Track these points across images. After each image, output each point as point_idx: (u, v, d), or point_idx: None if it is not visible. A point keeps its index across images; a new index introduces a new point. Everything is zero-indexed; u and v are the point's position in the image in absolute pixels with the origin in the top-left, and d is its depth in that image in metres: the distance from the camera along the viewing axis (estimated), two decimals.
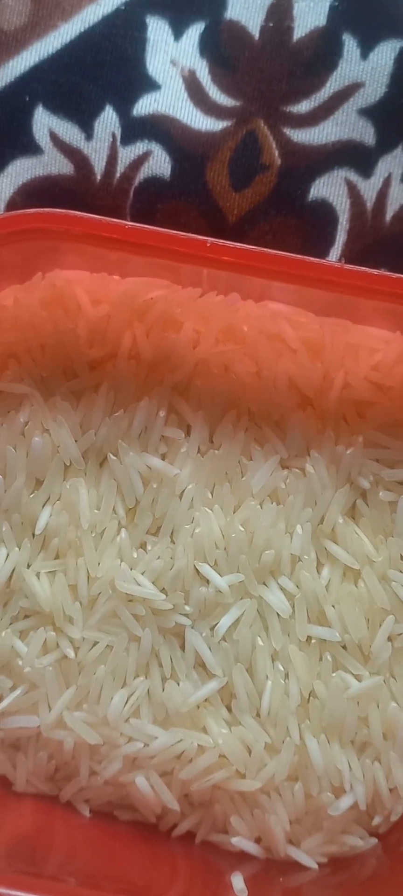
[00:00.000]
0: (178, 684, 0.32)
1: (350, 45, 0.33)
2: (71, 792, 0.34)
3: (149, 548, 0.32)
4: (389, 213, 0.34)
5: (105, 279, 0.31)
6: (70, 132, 0.34)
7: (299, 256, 0.28)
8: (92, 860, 0.32)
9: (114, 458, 0.31)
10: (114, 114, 0.34)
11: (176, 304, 0.31)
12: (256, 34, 0.33)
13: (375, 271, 0.29)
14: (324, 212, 0.34)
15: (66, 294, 0.31)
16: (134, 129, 0.34)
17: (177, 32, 0.33)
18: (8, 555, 0.31)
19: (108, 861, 0.32)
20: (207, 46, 0.33)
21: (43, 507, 0.31)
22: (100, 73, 0.33)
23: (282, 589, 0.32)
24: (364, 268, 0.28)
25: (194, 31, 0.33)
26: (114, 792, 0.33)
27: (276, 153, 0.34)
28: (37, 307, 0.31)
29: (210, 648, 0.32)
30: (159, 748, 0.31)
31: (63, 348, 0.31)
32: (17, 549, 0.31)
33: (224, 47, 0.33)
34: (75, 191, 0.35)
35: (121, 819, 0.34)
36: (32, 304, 0.31)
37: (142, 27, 0.33)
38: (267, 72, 0.33)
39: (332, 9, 0.33)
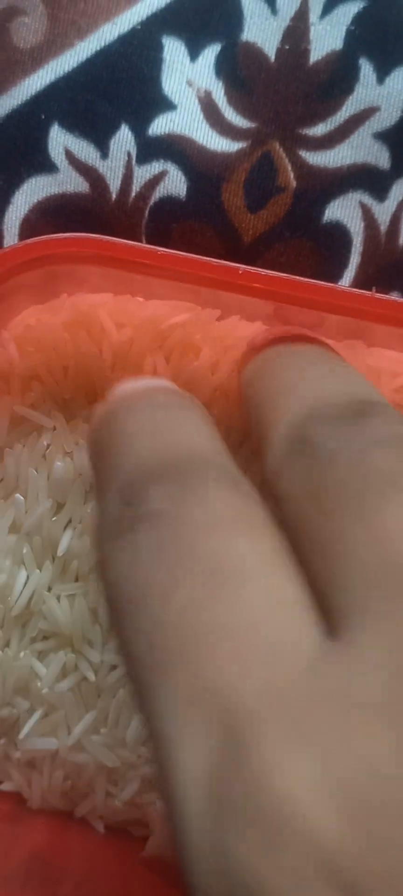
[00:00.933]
0: None
1: (366, 69, 0.33)
2: (86, 809, 0.34)
3: None
4: (402, 237, 0.35)
5: (129, 302, 0.31)
6: (85, 151, 0.34)
7: (329, 285, 0.29)
8: (109, 880, 0.32)
9: None
10: (130, 133, 0.34)
11: (196, 330, 0.31)
12: (272, 56, 0.33)
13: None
14: (339, 234, 0.35)
15: (91, 317, 0.31)
16: (149, 148, 0.34)
17: (193, 53, 0.33)
18: (28, 577, 0.31)
19: (125, 881, 0.32)
20: (223, 68, 0.33)
21: (64, 529, 0.31)
22: (116, 92, 0.33)
23: None
24: (387, 295, 0.29)
25: (210, 53, 0.33)
26: (130, 811, 0.33)
27: (292, 175, 0.34)
28: (60, 329, 0.31)
29: None
30: None
31: (86, 371, 0.31)
32: (37, 571, 0.31)
33: (240, 69, 0.33)
34: (90, 209, 0.35)
35: (136, 835, 0.34)
36: (56, 326, 0.31)
37: (159, 47, 0.33)
38: (283, 94, 0.33)
39: (349, 33, 0.33)
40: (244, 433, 0.32)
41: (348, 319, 0.30)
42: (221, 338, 0.32)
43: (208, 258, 0.29)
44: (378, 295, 0.30)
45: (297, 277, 0.29)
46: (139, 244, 0.29)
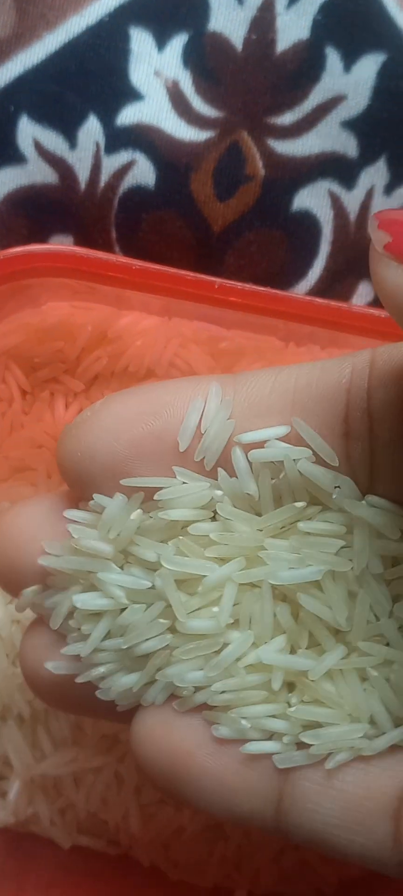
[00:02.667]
0: None
1: (333, 58, 0.33)
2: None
3: None
4: None
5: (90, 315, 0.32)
6: (54, 141, 0.34)
7: (307, 297, 0.29)
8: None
9: None
10: (98, 123, 0.34)
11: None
12: (239, 46, 0.33)
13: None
14: (308, 223, 0.35)
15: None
16: (118, 138, 0.34)
17: (161, 44, 0.33)
18: None
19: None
20: (190, 58, 0.33)
21: None
22: (84, 83, 0.33)
23: None
24: (372, 309, 0.29)
25: (177, 43, 0.33)
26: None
27: (260, 164, 0.34)
28: None
29: None
30: None
31: None
32: None
33: (207, 59, 0.33)
34: (60, 200, 0.34)
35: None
36: None
37: (126, 38, 0.33)
38: (250, 84, 0.33)
39: (315, 22, 0.33)
40: None
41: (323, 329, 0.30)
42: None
43: (184, 272, 0.29)
44: (354, 307, 0.30)
45: (273, 290, 0.29)
46: (115, 258, 0.29)
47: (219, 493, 0.22)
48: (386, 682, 0.22)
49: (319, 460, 0.21)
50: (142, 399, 0.22)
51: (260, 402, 0.22)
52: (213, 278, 0.28)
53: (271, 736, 0.22)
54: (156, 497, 0.22)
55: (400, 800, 0.20)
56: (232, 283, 0.29)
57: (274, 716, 0.22)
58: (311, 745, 0.21)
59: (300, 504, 0.22)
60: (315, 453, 0.21)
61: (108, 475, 0.22)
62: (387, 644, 0.22)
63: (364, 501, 0.22)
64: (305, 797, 0.21)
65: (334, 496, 0.21)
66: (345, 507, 0.22)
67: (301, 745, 0.21)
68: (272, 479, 0.22)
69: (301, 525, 0.22)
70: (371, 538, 0.22)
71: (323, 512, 0.22)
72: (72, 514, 0.23)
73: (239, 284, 0.28)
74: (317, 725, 0.21)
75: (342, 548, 0.22)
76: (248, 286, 0.28)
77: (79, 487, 0.23)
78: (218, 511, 0.22)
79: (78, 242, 0.35)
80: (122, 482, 0.22)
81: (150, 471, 0.22)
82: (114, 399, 0.23)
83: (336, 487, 0.21)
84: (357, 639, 0.22)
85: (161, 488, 0.22)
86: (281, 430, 0.22)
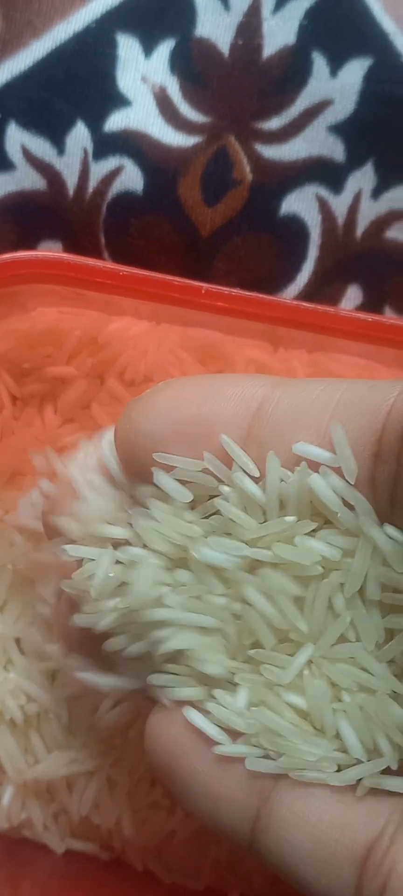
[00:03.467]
0: None
1: (319, 62, 0.33)
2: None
3: None
4: (360, 229, 0.35)
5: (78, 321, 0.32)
6: (42, 148, 0.34)
7: (294, 302, 0.29)
8: None
9: None
10: (86, 129, 0.34)
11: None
12: (226, 52, 0.33)
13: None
14: (296, 227, 0.35)
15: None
16: (105, 144, 0.34)
17: (148, 50, 0.33)
18: None
19: None
20: (178, 63, 0.33)
21: None
22: (72, 89, 0.34)
23: None
24: (359, 313, 0.29)
25: (164, 49, 0.33)
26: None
27: (248, 169, 0.34)
28: None
29: None
30: None
31: None
32: None
33: (194, 64, 0.33)
34: (48, 206, 0.35)
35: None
36: None
37: (113, 44, 0.33)
38: (237, 89, 0.34)
39: (301, 27, 0.33)
40: None
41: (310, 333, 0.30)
42: None
43: (171, 277, 0.29)
44: (341, 311, 0.30)
45: (260, 295, 0.29)
46: (103, 263, 0.29)
47: (227, 489, 0.22)
48: (360, 709, 0.21)
49: (339, 473, 0.21)
50: (197, 385, 0.23)
51: (301, 407, 0.22)
52: (200, 283, 0.29)
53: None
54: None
55: (368, 850, 0.20)
56: (220, 288, 0.29)
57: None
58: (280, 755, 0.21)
59: (290, 519, 0.22)
60: (338, 462, 0.21)
61: (150, 452, 0.22)
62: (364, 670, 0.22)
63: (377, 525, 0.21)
64: (280, 823, 0.21)
65: (339, 515, 0.21)
66: (360, 525, 0.21)
67: None
68: (281, 480, 0.22)
69: (297, 540, 0.22)
70: (375, 563, 0.21)
71: (327, 530, 0.22)
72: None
73: (226, 289, 0.28)
74: (278, 735, 0.21)
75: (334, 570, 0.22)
76: (235, 291, 0.29)
77: (128, 466, 0.23)
78: (219, 508, 0.22)
79: (66, 248, 0.35)
80: (154, 456, 0.22)
81: (188, 453, 0.22)
82: (172, 382, 0.23)
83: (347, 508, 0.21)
84: (324, 650, 0.22)
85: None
86: (326, 456, 0.21)
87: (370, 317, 0.29)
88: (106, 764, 0.34)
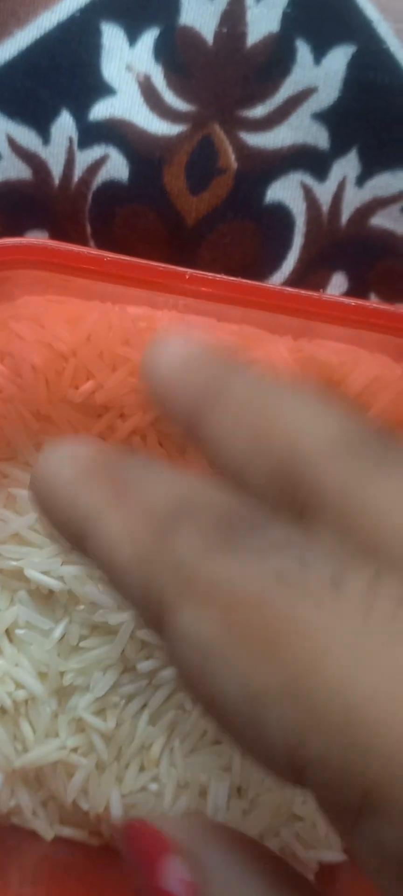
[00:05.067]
0: None
1: (303, 50, 0.33)
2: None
3: None
4: (344, 217, 0.35)
5: (64, 308, 0.32)
6: (27, 137, 0.34)
7: (278, 287, 0.29)
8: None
9: None
10: (71, 118, 0.34)
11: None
12: (210, 40, 0.33)
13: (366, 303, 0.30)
14: (281, 215, 0.35)
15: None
16: (90, 133, 0.34)
17: (132, 38, 0.34)
18: None
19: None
20: (162, 52, 0.34)
21: None
22: (56, 78, 0.34)
23: None
24: (342, 298, 0.29)
25: (149, 37, 0.33)
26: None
27: (232, 157, 0.34)
28: None
29: None
30: None
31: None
32: None
33: (178, 53, 0.34)
34: (34, 195, 0.35)
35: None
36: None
37: (97, 33, 0.33)
38: (221, 77, 0.34)
39: (285, 15, 0.33)
40: None
41: (294, 318, 0.30)
42: None
43: (156, 263, 0.29)
44: (325, 295, 0.30)
45: (244, 280, 0.29)
46: (87, 250, 0.29)
47: None
48: None
49: None
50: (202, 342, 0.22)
51: None
52: (185, 269, 0.29)
53: None
54: None
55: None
56: (204, 273, 0.29)
57: None
58: None
59: None
60: None
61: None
62: None
63: None
64: None
65: None
66: None
67: None
68: None
69: None
70: None
71: None
72: None
73: (210, 275, 0.29)
74: None
75: None
76: (219, 276, 0.29)
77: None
78: None
79: (53, 237, 0.35)
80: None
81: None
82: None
83: None
84: None
85: None
86: None
87: (353, 301, 0.29)
88: (93, 750, 0.35)
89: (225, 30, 0.33)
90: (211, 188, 0.34)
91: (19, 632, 0.34)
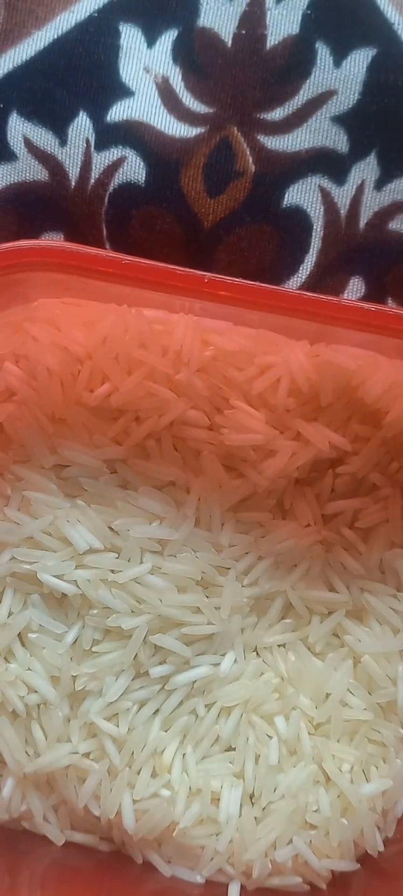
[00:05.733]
0: None
1: (322, 52, 0.33)
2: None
3: None
4: (363, 221, 0.35)
5: (80, 311, 0.31)
6: (44, 138, 0.34)
7: (296, 291, 0.29)
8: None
9: None
10: (88, 120, 0.34)
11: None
12: (229, 41, 0.33)
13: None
14: (299, 218, 0.35)
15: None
16: (108, 135, 0.34)
17: (150, 40, 0.33)
18: None
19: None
20: (180, 53, 0.33)
21: None
22: (74, 79, 0.33)
23: None
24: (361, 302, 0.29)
25: (167, 39, 0.33)
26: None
27: (250, 160, 0.34)
28: None
29: None
30: None
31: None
32: None
33: (197, 54, 0.33)
34: (50, 197, 0.34)
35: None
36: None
37: (116, 34, 0.33)
38: (240, 79, 0.33)
39: (305, 17, 0.33)
40: None
41: (312, 323, 0.30)
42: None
43: (174, 266, 0.29)
44: (342, 300, 0.30)
45: (262, 284, 0.29)
46: (105, 252, 0.29)
47: None
48: None
49: None
50: None
51: None
52: (203, 273, 0.28)
53: None
54: None
55: None
56: (223, 277, 0.29)
57: None
58: None
59: None
60: None
61: None
62: None
63: None
64: None
65: None
66: None
67: None
68: None
69: None
70: None
71: None
72: None
73: (228, 279, 0.28)
74: None
75: None
76: (238, 280, 0.28)
77: None
78: None
79: (68, 239, 0.35)
80: None
81: None
82: None
83: None
84: None
85: None
86: None
87: (372, 306, 0.29)
88: (106, 756, 0.34)
89: (244, 31, 0.33)
90: (228, 191, 0.34)
91: (32, 636, 0.34)
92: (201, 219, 0.34)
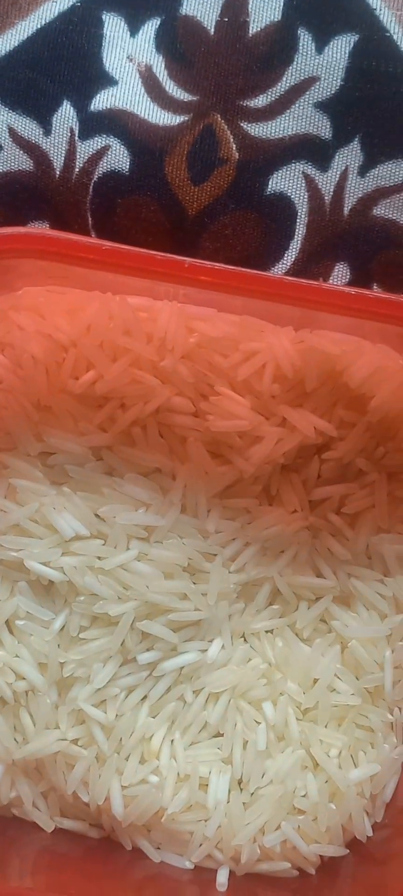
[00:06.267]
0: None
1: (305, 39, 0.33)
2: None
3: None
4: (347, 207, 0.35)
5: (64, 299, 0.32)
6: (28, 128, 0.34)
7: (278, 276, 0.29)
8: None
9: None
10: (72, 109, 0.34)
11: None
12: (212, 29, 0.33)
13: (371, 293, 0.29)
14: (283, 205, 0.35)
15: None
16: (91, 123, 0.34)
17: (133, 28, 0.33)
18: None
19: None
20: (163, 42, 0.33)
21: None
22: (58, 69, 0.34)
23: None
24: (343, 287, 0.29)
25: (150, 27, 0.33)
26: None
27: (234, 147, 0.34)
28: None
29: None
30: None
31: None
32: None
33: (180, 42, 0.33)
34: (35, 186, 0.35)
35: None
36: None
37: (99, 23, 0.33)
38: (223, 66, 0.33)
39: (287, 4, 0.33)
40: None
41: (296, 308, 0.30)
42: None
43: (154, 252, 0.29)
44: (325, 285, 0.30)
45: (244, 269, 0.29)
46: (86, 239, 0.29)
47: None
48: None
49: None
50: None
51: None
52: (183, 258, 0.28)
53: None
54: None
55: None
56: (203, 262, 0.29)
57: None
58: None
59: None
60: None
61: None
62: None
63: None
64: None
65: None
66: None
67: None
68: None
69: None
70: None
71: None
72: None
73: (208, 263, 0.28)
74: None
75: None
76: (218, 265, 0.28)
77: None
78: None
79: (54, 228, 0.35)
80: None
81: None
82: None
83: None
84: None
85: None
86: None
87: (354, 290, 0.29)
88: (94, 742, 0.35)
89: (226, 19, 0.33)
90: (212, 178, 0.34)
91: (19, 623, 0.34)
92: (185, 206, 0.35)
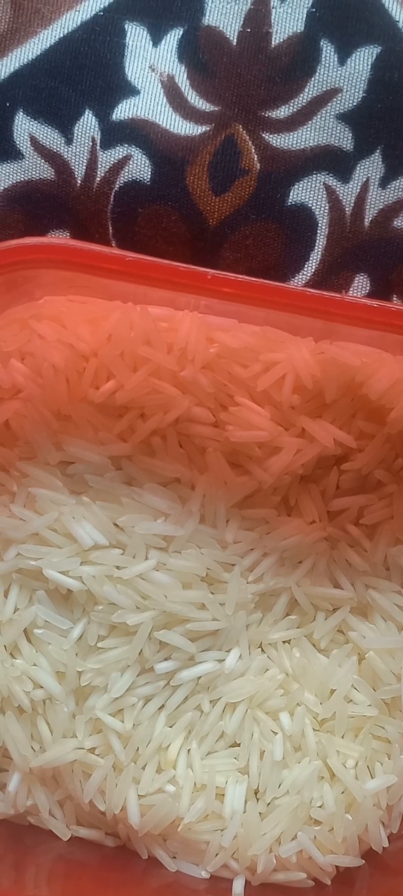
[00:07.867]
0: None
1: (327, 50, 0.33)
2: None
3: None
4: (368, 218, 0.35)
5: (85, 308, 0.32)
6: (50, 137, 0.34)
7: (300, 288, 0.29)
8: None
9: None
10: (94, 118, 0.34)
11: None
12: (234, 40, 0.33)
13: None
14: (304, 216, 0.35)
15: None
16: (113, 133, 0.34)
17: (156, 38, 0.33)
18: None
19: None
20: (186, 52, 0.33)
21: None
22: (80, 78, 0.34)
23: None
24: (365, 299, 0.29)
25: (172, 37, 0.33)
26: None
27: (255, 158, 0.34)
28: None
29: None
30: None
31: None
32: None
33: (202, 53, 0.33)
34: (56, 195, 0.35)
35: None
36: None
37: (121, 33, 0.33)
38: (245, 77, 0.33)
39: (310, 15, 0.33)
40: None
41: (316, 320, 0.30)
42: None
43: (177, 263, 0.29)
44: (346, 297, 0.30)
45: (266, 281, 0.29)
46: (109, 249, 0.29)
47: None
48: None
49: None
50: None
51: None
52: (206, 269, 0.28)
53: None
54: None
55: None
56: (226, 274, 0.29)
57: None
58: None
59: None
60: None
61: None
62: None
63: None
64: None
65: None
66: None
67: None
68: None
69: None
70: None
71: None
72: None
73: (231, 275, 0.28)
74: None
75: None
76: (241, 277, 0.29)
77: None
78: None
79: (75, 238, 0.35)
80: None
81: None
82: None
83: None
84: None
85: None
86: None
87: (376, 303, 0.29)
88: (111, 750, 0.35)
89: (249, 30, 0.33)
90: (233, 189, 0.34)
91: (38, 631, 0.34)
92: (206, 217, 0.35)
